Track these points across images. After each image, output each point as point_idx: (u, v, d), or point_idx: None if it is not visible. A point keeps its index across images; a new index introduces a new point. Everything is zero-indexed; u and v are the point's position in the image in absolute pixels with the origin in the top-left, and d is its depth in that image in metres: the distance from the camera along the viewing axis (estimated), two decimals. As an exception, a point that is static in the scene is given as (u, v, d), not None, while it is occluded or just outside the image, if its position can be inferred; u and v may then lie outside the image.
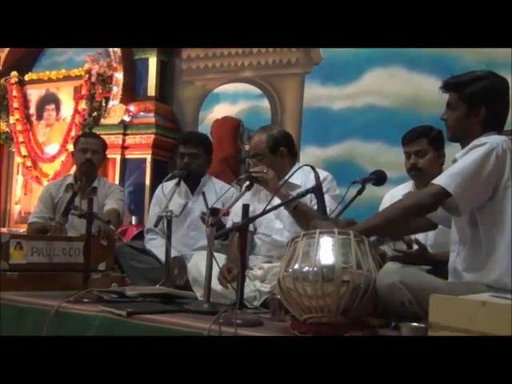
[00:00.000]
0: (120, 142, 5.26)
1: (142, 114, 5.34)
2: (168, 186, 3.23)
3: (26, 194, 5.98)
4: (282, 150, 2.89)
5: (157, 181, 4.49)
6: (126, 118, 5.33)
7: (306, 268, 1.86)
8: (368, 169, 3.63)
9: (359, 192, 2.44)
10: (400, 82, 4.33)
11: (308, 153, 4.54)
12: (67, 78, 5.77)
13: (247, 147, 4.95)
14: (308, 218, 2.45)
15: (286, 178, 2.55)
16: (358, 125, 4.47)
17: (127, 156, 5.30)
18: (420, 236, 2.51)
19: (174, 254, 3.06)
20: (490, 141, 1.97)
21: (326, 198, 2.59)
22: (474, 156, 1.96)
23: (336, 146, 4.54)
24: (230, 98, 5.18)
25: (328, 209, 2.41)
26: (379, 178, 2.50)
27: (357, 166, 4.37)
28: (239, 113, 5.09)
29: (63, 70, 5.80)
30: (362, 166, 4.34)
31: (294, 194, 2.58)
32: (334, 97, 4.61)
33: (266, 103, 5.00)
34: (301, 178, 2.78)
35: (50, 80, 5.87)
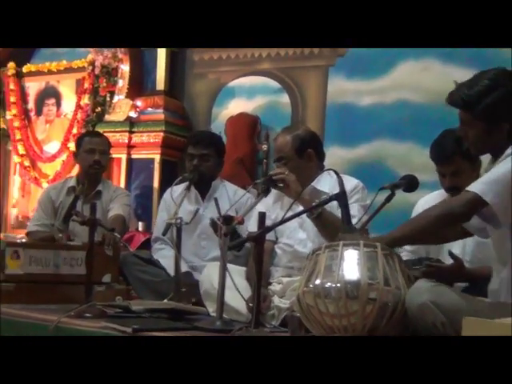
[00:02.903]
0: (126, 141, 5.27)
1: (149, 109, 5.35)
2: (177, 190, 3.25)
3: (23, 196, 6.03)
4: (310, 152, 2.86)
5: (166, 183, 4.50)
6: (133, 114, 5.35)
7: (329, 284, 1.87)
8: (399, 172, 3.63)
9: (388, 199, 2.44)
10: (434, 76, 4.31)
11: (332, 154, 4.47)
12: (69, 70, 5.79)
13: (265, 147, 4.98)
14: (333, 228, 2.41)
15: (312, 183, 2.53)
16: (388, 123, 4.45)
17: (133, 156, 5.32)
18: (456, 251, 2.48)
19: (184, 265, 3.08)
20: None
21: (355, 206, 2.59)
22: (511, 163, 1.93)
23: (363, 146, 4.52)
24: (246, 93, 5.19)
25: (356, 219, 2.40)
26: (410, 184, 2.49)
27: (386, 169, 4.36)
28: (256, 109, 5.09)
29: (64, 62, 5.82)
30: (392, 168, 4.33)
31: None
32: (361, 92, 4.60)
33: (285, 98, 4.99)
34: (329, 184, 2.75)
35: (50, 72, 5.91)
